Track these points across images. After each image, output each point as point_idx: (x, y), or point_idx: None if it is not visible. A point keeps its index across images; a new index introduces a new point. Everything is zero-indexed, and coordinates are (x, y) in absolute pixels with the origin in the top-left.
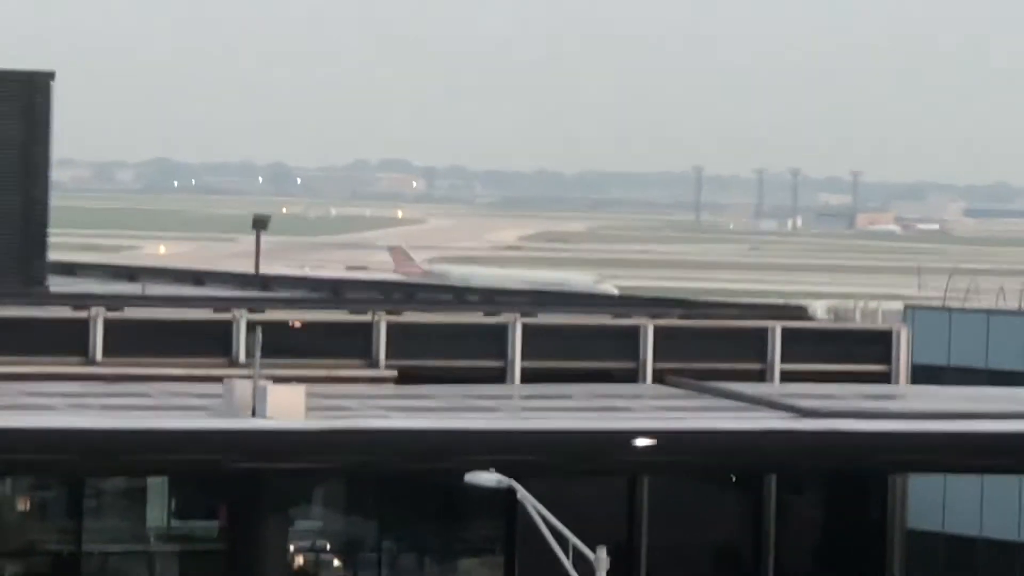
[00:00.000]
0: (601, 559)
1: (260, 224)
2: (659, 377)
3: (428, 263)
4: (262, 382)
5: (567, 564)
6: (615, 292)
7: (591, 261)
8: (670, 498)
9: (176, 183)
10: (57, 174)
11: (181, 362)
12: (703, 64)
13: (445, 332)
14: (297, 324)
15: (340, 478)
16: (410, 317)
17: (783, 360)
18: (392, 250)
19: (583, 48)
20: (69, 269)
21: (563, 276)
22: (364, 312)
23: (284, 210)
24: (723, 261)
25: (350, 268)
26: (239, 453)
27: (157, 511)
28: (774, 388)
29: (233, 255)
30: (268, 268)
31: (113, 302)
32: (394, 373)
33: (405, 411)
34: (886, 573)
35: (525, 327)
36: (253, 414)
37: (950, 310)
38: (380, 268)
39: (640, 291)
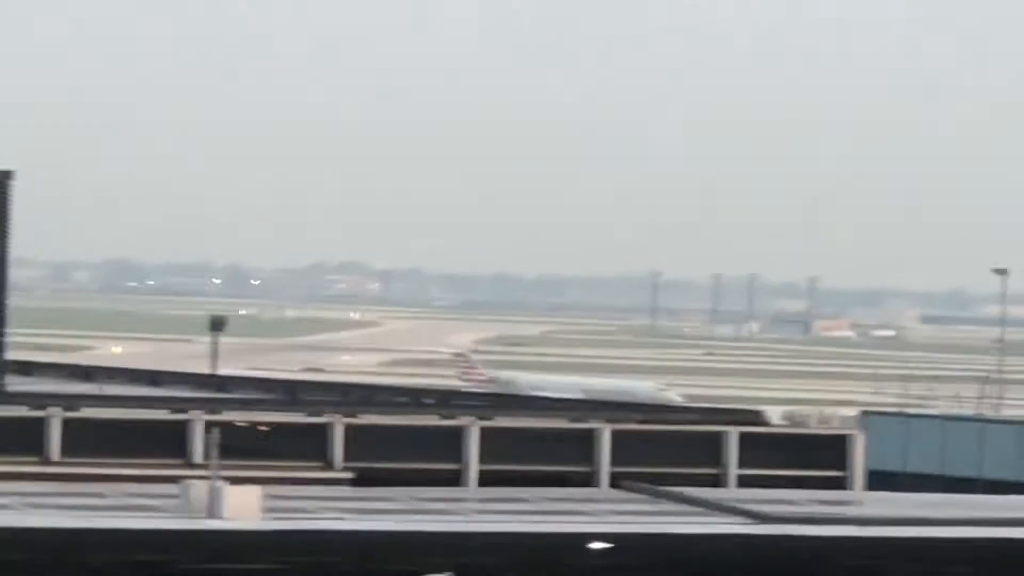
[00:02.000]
0: None
1: (217, 325)
2: (615, 481)
3: (493, 370)
4: (218, 483)
5: None
6: (679, 400)
7: (548, 365)
8: None
9: (133, 283)
10: (14, 274)
11: (137, 462)
12: (661, 169)
13: (402, 434)
14: (262, 428)
15: None
16: (367, 419)
17: (739, 465)
18: (456, 356)
19: (539, 151)
20: (25, 369)
21: (626, 384)
22: (321, 414)
23: (241, 311)
24: (679, 366)
25: (306, 369)
26: (195, 554)
27: None
28: (730, 493)
29: (189, 356)
30: (225, 369)
31: (70, 402)
32: (350, 475)
33: (361, 513)
34: None
35: (482, 430)
36: (209, 515)
37: (906, 416)
38: (336, 369)
39: (597, 395)
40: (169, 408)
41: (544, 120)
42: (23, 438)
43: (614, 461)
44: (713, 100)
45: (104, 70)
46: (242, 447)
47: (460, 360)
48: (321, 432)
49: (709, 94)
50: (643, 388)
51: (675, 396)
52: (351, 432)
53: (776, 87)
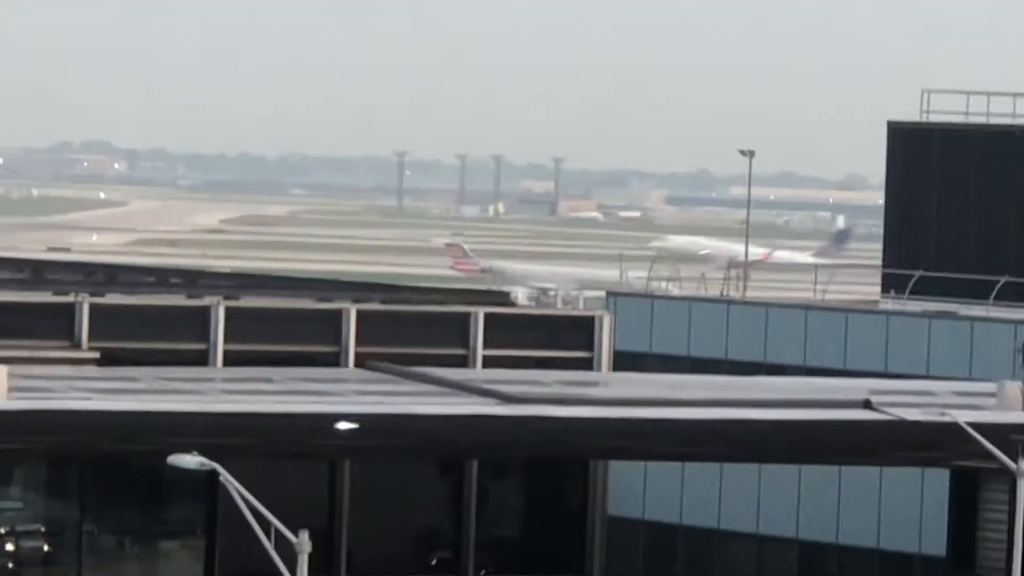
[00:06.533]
0: (303, 542)
1: None
2: (361, 361)
3: (485, 260)
4: None
5: (269, 547)
6: (676, 292)
7: (293, 245)
8: (371, 482)
9: None
10: None
11: None
12: (403, 47)
13: (148, 314)
14: None
15: (42, 459)
16: (113, 299)
17: (486, 346)
18: (449, 247)
19: (283, 30)
20: None
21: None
22: (67, 293)
23: None
24: (425, 246)
25: (52, 249)
26: None
27: None
28: (476, 374)
29: None
30: None
31: None
32: (96, 355)
33: (107, 392)
34: (587, 559)
35: (228, 310)
36: None
37: (652, 297)
38: (82, 249)
39: (342, 275)
40: None
41: (283, 5)
42: None
43: (360, 341)
44: None
45: None
46: None
47: (453, 250)
48: (67, 311)
49: None
50: (635, 278)
51: (674, 289)
52: (97, 312)
53: None
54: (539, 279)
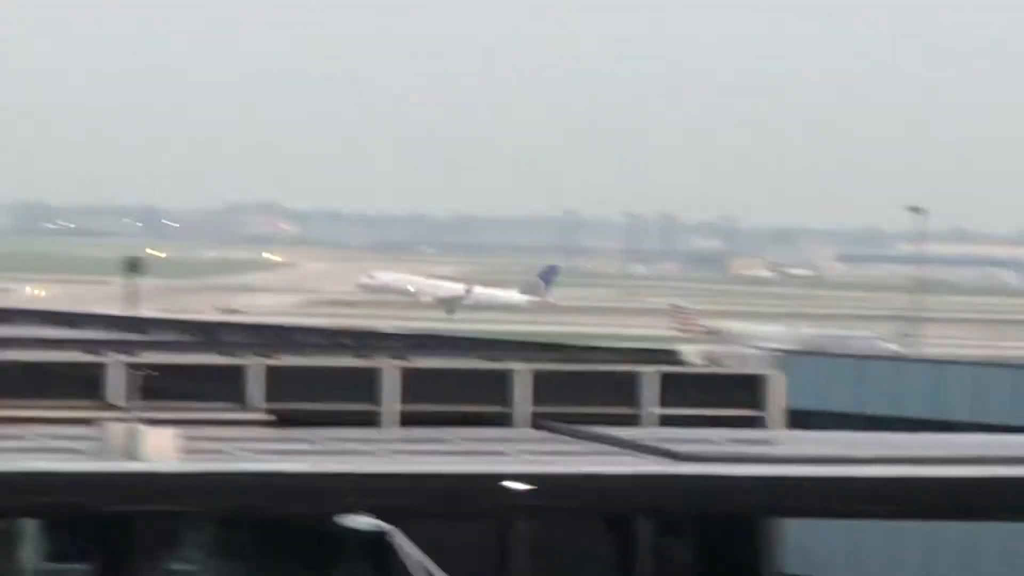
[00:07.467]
0: None
1: (133, 266)
2: (532, 421)
3: (708, 320)
4: (136, 424)
5: None
6: (897, 349)
7: (465, 305)
8: (543, 541)
9: (49, 225)
10: None
11: (54, 404)
12: (575, 109)
13: (319, 375)
14: (148, 372)
15: (214, 521)
16: (284, 360)
17: (657, 404)
18: (673, 307)
19: (454, 91)
20: None
21: (844, 333)
22: (238, 355)
23: (157, 252)
24: (596, 305)
25: (223, 310)
26: (112, 495)
27: (29, 554)
28: (648, 432)
29: (106, 297)
30: (142, 311)
31: None
32: (268, 416)
33: (279, 454)
34: None
35: (399, 371)
36: (127, 456)
37: (824, 355)
38: (253, 311)
39: (513, 335)
40: (86, 350)
41: (452, 67)
42: None
43: (531, 401)
44: (633, 42)
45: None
46: (160, 388)
47: (677, 311)
48: (239, 374)
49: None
50: (860, 337)
51: (894, 347)
52: (269, 373)
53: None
54: (761, 338)
